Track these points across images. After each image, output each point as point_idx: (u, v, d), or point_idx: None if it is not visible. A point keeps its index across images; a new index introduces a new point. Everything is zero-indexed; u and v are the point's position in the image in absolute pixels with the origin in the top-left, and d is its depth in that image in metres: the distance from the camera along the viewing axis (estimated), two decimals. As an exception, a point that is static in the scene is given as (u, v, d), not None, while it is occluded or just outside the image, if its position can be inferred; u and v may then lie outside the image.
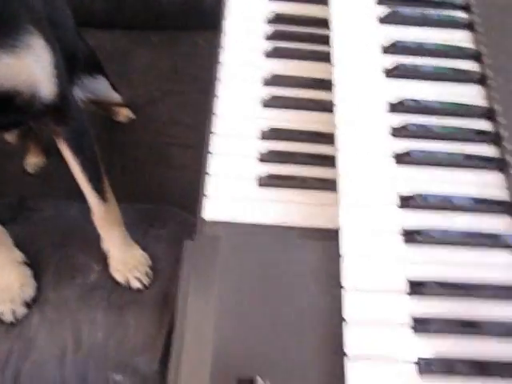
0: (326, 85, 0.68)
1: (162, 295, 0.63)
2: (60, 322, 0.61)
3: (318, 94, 0.68)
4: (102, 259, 0.69)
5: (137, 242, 0.70)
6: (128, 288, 0.64)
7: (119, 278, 0.66)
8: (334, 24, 0.68)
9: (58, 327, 0.61)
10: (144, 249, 0.69)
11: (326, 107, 0.65)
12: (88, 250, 0.70)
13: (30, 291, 0.64)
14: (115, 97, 1.00)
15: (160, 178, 1.15)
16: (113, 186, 1.16)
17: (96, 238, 0.73)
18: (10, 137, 0.97)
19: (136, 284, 0.65)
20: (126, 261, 0.67)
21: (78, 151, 0.64)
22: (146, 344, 0.60)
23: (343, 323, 0.45)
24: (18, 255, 0.67)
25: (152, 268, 0.65)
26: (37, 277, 0.65)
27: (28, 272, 0.66)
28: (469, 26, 0.67)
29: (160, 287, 0.64)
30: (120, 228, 0.70)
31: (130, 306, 0.62)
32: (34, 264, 0.67)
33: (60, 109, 0.59)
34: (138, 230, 0.75)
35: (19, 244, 0.70)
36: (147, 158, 1.17)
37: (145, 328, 0.60)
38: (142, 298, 0.63)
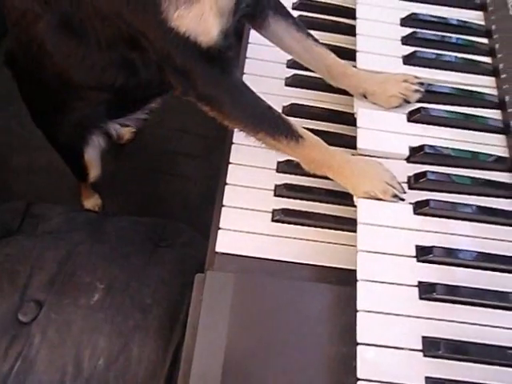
0: (345, 118, 0.68)
1: (169, 321, 0.62)
2: (61, 345, 0.60)
3: (336, 127, 0.68)
4: (106, 277, 0.68)
5: (143, 263, 0.69)
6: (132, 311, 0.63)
7: None
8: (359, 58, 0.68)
9: (59, 350, 0.60)
10: (151, 273, 0.68)
11: (346, 141, 0.64)
12: (92, 267, 0.69)
13: None
14: None
15: (163, 186, 1.15)
16: (117, 193, 1.17)
17: (101, 255, 0.72)
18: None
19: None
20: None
21: None
22: (148, 374, 0.59)
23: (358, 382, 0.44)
24: None
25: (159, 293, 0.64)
26: (41, 295, 0.64)
27: None
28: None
29: (166, 313, 0.63)
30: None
31: (134, 333, 0.61)
32: (38, 281, 0.66)
33: None
34: (145, 249, 0.74)
35: (24, 258, 0.69)
36: (153, 165, 1.16)
37: (148, 357, 0.59)
38: (146, 324, 0.62)
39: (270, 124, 0.58)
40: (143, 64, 0.61)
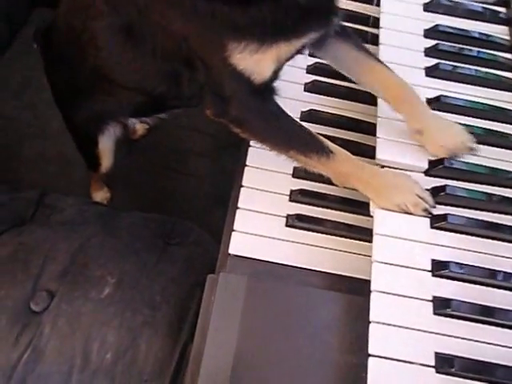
0: (363, 127, 0.68)
1: (177, 320, 0.63)
2: (71, 336, 0.61)
3: (354, 136, 0.68)
4: (117, 272, 0.68)
5: (154, 261, 0.70)
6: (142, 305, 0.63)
7: None
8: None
9: (69, 341, 0.60)
10: (161, 270, 0.69)
11: (363, 149, 0.64)
12: (103, 260, 0.70)
13: None
14: None
15: (172, 183, 1.16)
16: (126, 188, 1.17)
17: (112, 249, 0.73)
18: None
19: None
20: None
21: None
22: (154, 371, 0.59)
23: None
24: None
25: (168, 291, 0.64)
26: (53, 285, 0.64)
27: None
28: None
29: (175, 311, 0.63)
30: None
31: (142, 329, 0.62)
32: (51, 272, 0.66)
33: None
34: (155, 246, 0.74)
35: (38, 248, 0.69)
36: (163, 162, 1.17)
37: (155, 354, 0.60)
38: (155, 321, 0.62)
39: (300, 142, 0.59)
40: (189, 80, 0.62)
